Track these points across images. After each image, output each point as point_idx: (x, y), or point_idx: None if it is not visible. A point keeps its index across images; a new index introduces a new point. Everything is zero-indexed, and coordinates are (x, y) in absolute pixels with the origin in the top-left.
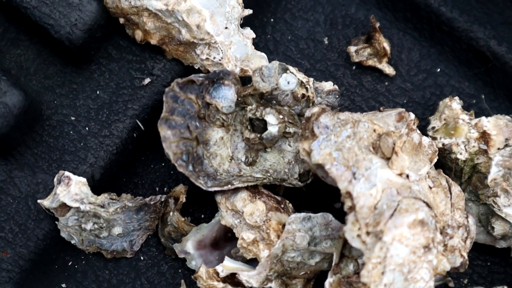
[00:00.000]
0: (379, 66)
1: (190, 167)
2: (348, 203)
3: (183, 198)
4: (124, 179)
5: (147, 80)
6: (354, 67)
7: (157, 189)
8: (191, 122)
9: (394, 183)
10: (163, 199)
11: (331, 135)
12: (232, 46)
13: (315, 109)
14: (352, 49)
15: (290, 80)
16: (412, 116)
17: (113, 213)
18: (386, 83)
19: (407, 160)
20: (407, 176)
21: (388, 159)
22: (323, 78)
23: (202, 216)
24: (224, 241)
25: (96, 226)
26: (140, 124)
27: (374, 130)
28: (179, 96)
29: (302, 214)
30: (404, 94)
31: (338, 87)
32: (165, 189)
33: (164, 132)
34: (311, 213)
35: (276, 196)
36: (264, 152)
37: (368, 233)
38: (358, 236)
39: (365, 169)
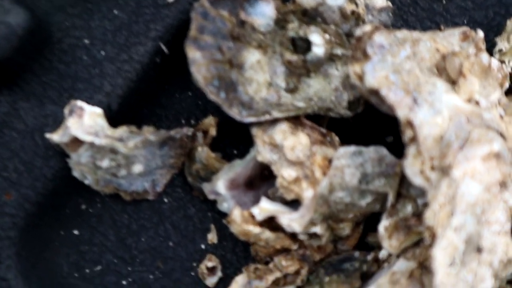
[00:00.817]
0: None
1: (222, 94)
2: (408, 133)
3: (213, 131)
4: (145, 110)
5: None
6: None
7: (183, 121)
8: (224, 43)
9: (463, 110)
10: (190, 133)
11: (387, 56)
12: None
13: (368, 27)
14: None
15: None
16: (481, 34)
17: (132, 148)
18: (444, 2)
19: (477, 84)
20: (477, 102)
21: (454, 82)
22: None
23: (235, 151)
24: (260, 180)
25: (113, 163)
26: (164, 47)
27: (437, 50)
28: (209, 13)
29: (352, 148)
30: (464, 14)
31: None
32: (192, 121)
33: (193, 53)
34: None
35: (321, 128)
36: (307, 78)
37: (433, 168)
38: (421, 171)
39: (428, 94)
